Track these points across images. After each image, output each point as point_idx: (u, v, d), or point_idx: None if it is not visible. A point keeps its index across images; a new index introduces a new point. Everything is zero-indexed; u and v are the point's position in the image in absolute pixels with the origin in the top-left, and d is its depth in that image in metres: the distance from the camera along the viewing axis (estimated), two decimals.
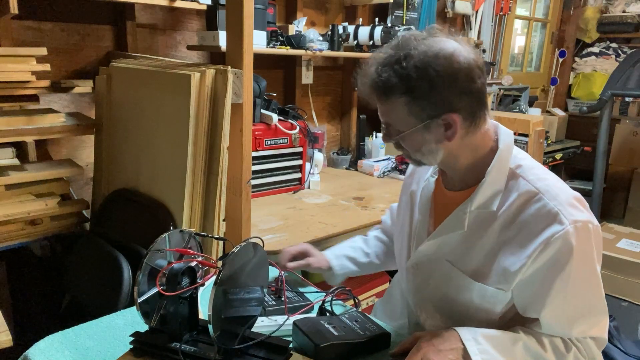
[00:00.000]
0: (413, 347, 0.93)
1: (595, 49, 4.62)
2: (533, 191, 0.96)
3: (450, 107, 0.92)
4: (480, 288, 0.99)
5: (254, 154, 2.08)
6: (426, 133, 0.95)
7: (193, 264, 0.93)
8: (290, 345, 0.96)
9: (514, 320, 1.01)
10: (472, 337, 0.94)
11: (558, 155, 3.70)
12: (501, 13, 3.83)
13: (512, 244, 0.96)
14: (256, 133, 2.15)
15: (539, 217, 0.93)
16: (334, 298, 1.15)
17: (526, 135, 2.83)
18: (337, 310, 1.14)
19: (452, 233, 1.03)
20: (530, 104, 3.75)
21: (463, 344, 0.92)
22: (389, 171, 2.69)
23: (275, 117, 2.21)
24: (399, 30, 2.57)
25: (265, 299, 1.14)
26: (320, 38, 2.37)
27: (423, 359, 0.90)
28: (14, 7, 1.46)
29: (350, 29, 2.60)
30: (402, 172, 2.60)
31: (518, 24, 4.32)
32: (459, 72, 0.91)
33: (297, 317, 1.06)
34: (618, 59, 4.46)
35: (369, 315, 1.11)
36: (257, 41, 2.05)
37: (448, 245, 1.04)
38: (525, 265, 0.93)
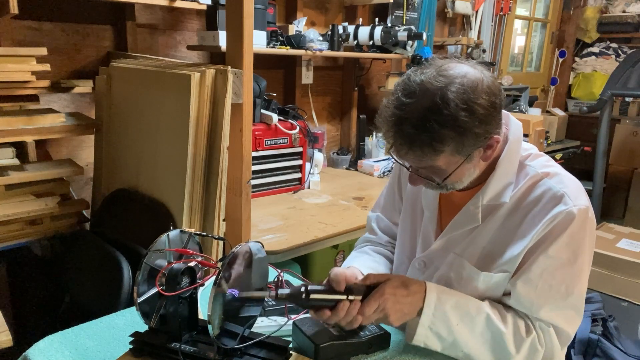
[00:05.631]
0: (379, 286, 0.95)
1: (595, 49, 4.62)
2: (539, 176, 0.98)
3: (493, 130, 0.91)
4: (485, 277, 1.00)
5: (254, 154, 2.08)
6: (469, 163, 0.93)
7: (193, 264, 0.93)
8: (290, 345, 0.96)
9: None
10: (437, 297, 0.96)
11: (558, 155, 3.69)
12: (501, 13, 3.83)
13: (518, 229, 0.97)
14: (256, 133, 2.15)
15: (544, 199, 0.95)
16: None
17: (526, 135, 2.83)
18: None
19: (464, 229, 1.03)
20: (530, 104, 3.75)
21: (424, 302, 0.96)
22: (389, 171, 2.69)
23: (275, 117, 2.21)
24: (399, 30, 2.57)
25: (265, 299, 1.13)
26: (320, 38, 2.37)
27: (380, 305, 0.93)
28: (14, 7, 1.45)
29: (350, 29, 2.60)
30: None
31: (518, 24, 4.32)
32: (493, 95, 0.89)
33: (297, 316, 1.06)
34: (618, 59, 4.46)
35: None
36: (257, 41, 2.05)
37: (455, 238, 1.05)
38: (528, 245, 0.95)
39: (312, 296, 0.92)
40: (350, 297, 0.93)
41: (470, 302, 0.98)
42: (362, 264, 1.16)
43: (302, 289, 0.92)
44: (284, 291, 0.92)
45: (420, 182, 0.99)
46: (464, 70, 0.89)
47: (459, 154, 0.90)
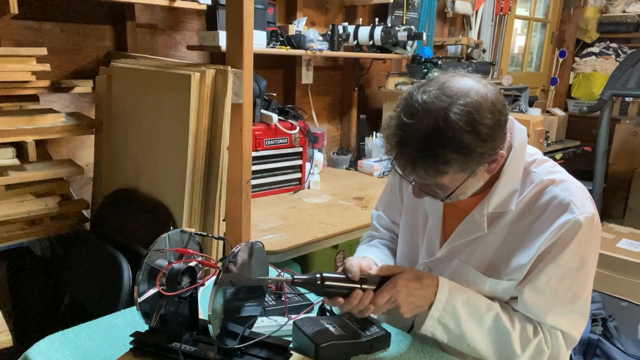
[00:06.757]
0: (392, 278, 0.96)
1: (595, 49, 4.62)
2: (544, 183, 0.97)
3: (497, 146, 0.90)
4: (493, 283, 1.00)
5: (254, 154, 2.08)
6: (473, 177, 0.93)
7: (193, 264, 0.93)
8: (290, 345, 0.96)
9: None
10: (448, 292, 0.97)
11: (558, 155, 3.69)
12: (501, 13, 3.83)
13: (524, 237, 0.97)
14: (256, 133, 2.15)
15: (550, 208, 0.95)
16: None
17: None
18: (337, 310, 1.14)
19: (470, 238, 1.03)
20: (530, 104, 3.75)
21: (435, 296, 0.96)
22: (388, 171, 2.68)
23: (275, 117, 2.21)
24: (399, 30, 2.57)
25: (265, 299, 1.13)
26: (320, 38, 2.37)
27: (392, 297, 0.94)
28: (14, 7, 1.45)
29: (350, 29, 2.60)
30: None
31: (518, 24, 4.32)
32: (498, 112, 0.88)
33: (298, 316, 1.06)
34: (618, 59, 4.45)
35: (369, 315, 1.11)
36: (257, 41, 2.05)
37: (460, 246, 1.05)
38: (536, 254, 0.95)
39: (327, 283, 0.94)
40: (364, 287, 0.95)
41: (481, 300, 0.99)
42: (374, 255, 1.17)
43: (318, 275, 0.93)
44: (301, 277, 0.94)
45: (423, 196, 0.98)
46: (468, 86, 0.87)
47: (463, 171, 0.90)
